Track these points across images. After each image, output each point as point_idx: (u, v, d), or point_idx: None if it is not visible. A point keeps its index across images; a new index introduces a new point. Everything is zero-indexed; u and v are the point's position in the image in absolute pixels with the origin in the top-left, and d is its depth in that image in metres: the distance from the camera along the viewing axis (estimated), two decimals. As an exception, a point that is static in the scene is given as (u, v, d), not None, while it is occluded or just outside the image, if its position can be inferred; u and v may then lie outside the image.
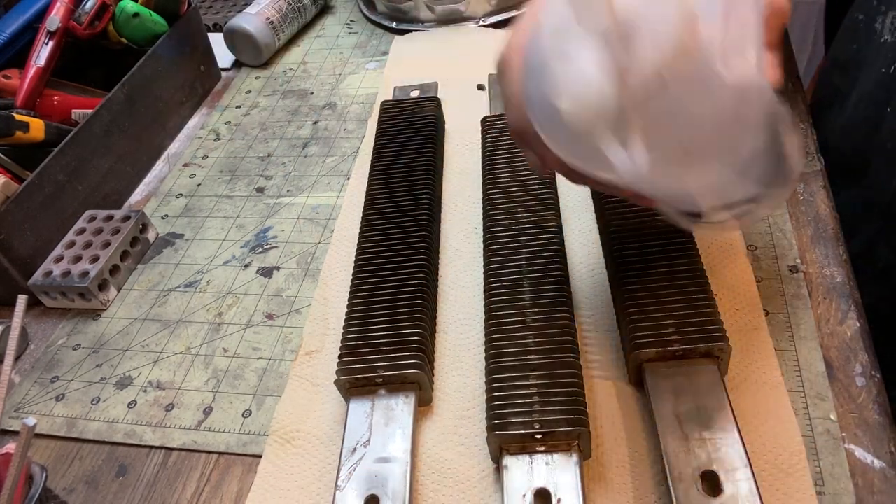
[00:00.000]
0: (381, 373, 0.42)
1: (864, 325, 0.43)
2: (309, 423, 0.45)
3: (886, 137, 0.57)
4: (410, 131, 0.60)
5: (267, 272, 0.57)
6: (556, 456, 0.38)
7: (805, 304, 0.45)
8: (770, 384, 0.41)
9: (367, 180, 0.58)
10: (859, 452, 0.37)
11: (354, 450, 0.40)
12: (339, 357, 0.44)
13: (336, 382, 0.43)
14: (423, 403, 0.44)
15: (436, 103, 0.64)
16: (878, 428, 0.38)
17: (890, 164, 0.57)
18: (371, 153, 0.60)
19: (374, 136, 0.62)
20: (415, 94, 0.68)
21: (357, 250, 0.51)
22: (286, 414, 0.45)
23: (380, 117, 0.63)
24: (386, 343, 0.44)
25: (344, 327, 0.46)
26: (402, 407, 0.42)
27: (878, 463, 0.37)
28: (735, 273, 0.47)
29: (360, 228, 0.53)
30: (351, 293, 0.48)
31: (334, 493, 0.39)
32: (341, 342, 0.45)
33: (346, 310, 0.47)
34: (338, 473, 0.40)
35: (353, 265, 0.50)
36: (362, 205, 0.55)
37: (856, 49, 0.63)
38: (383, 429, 0.41)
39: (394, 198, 0.54)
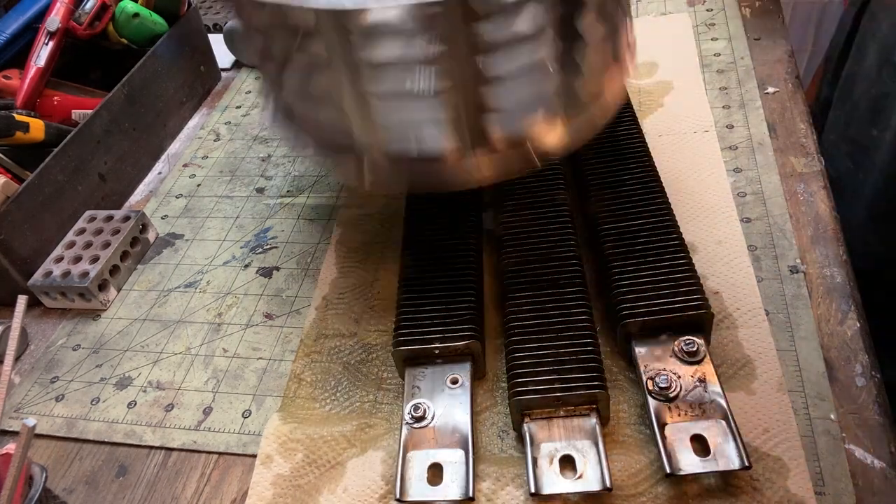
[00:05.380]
0: (437, 344, 0.43)
1: (864, 325, 0.43)
2: (308, 423, 0.45)
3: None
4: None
5: (267, 272, 0.57)
6: (576, 420, 0.39)
7: (805, 304, 0.45)
8: (770, 384, 0.41)
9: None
10: (859, 453, 0.37)
11: (416, 418, 0.41)
12: (395, 329, 0.44)
13: (393, 354, 0.44)
14: (477, 377, 0.44)
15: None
16: (878, 428, 0.38)
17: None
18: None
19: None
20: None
21: (404, 233, 0.51)
22: (286, 414, 0.45)
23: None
24: (441, 315, 0.44)
25: (398, 301, 0.46)
26: (460, 378, 0.43)
27: (878, 463, 0.37)
28: (735, 273, 0.47)
29: (406, 213, 0.53)
30: (402, 270, 0.48)
31: (402, 455, 0.39)
32: (396, 315, 0.45)
33: (397, 286, 0.47)
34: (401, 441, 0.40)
35: (400, 246, 0.51)
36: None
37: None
38: (444, 399, 0.42)
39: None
